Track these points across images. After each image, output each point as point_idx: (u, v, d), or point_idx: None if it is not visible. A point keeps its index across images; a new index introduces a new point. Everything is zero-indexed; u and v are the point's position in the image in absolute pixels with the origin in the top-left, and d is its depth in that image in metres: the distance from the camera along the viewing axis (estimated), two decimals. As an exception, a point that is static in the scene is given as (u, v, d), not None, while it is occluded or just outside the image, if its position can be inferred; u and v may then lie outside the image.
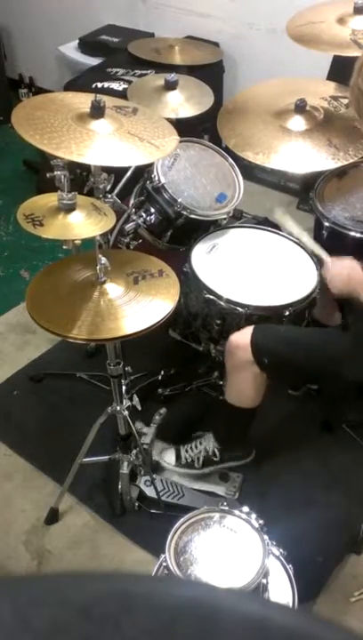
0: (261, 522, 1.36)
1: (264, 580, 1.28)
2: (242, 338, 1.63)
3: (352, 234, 1.93)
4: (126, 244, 1.86)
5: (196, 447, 1.90)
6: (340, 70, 2.46)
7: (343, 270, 1.66)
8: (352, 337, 1.65)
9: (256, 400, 1.73)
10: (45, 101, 1.56)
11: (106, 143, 1.45)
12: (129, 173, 1.91)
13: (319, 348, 1.65)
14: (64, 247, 1.43)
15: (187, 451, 1.91)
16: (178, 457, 1.91)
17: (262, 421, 1.84)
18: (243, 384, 1.70)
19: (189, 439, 1.95)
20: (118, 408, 1.74)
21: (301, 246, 1.94)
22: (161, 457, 1.92)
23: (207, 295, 1.76)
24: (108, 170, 1.66)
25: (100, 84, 2.89)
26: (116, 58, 3.11)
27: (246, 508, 1.39)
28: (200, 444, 1.90)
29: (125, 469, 1.78)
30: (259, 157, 1.81)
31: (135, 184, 1.95)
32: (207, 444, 1.88)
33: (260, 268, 1.85)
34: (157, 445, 1.95)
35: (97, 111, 1.48)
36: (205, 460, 1.88)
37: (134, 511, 1.85)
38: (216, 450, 1.87)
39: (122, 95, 2.20)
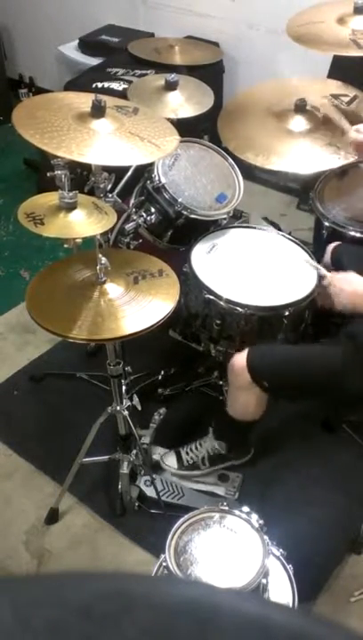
0: (261, 522, 1.36)
1: (264, 580, 1.28)
2: (243, 360, 1.63)
3: (352, 234, 1.93)
4: (126, 244, 1.86)
5: (196, 448, 1.90)
6: (340, 70, 2.47)
7: (349, 286, 1.62)
8: (353, 348, 1.63)
9: (259, 413, 1.73)
10: (46, 101, 1.56)
11: (106, 143, 1.45)
12: (129, 173, 1.91)
13: (318, 364, 1.64)
14: (65, 246, 1.44)
15: (188, 453, 1.91)
16: (179, 460, 1.91)
17: (262, 421, 1.84)
18: (246, 402, 1.70)
19: (188, 440, 1.95)
20: (118, 408, 1.74)
21: (301, 246, 1.94)
22: (162, 461, 1.92)
23: (207, 295, 1.76)
24: (109, 169, 1.66)
25: (100, 84, 2.89)
26: (117, 58, 3.11)
27: (246, 508, 1.39)
28: (201, 445, 1.90)
29: (125, 469, 1.78)
30: (259, 159, 1.81)
31: (136, 184, 1.95)
32: (208, 444, 1.88)
33: (260, 268, 1.85)
34: (156, 449, 1.95)
35: (98, 111, 1.48)
36: (207, 460, 1.88)
37: (134, 511, 1.84)
38: (218, 449, 1.87)
39: (122, 95, 2.20)
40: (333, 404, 2.10)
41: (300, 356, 1.67)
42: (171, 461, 1.91)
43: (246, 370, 1.61)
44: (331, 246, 1.89)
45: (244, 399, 1.70)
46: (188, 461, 1.90)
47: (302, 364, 1.65)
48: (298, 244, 1.95)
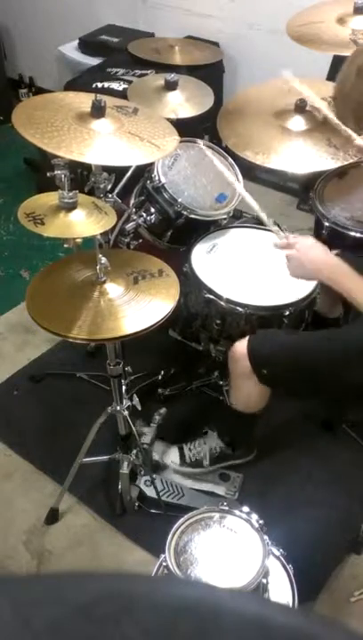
0: (261, 522, 1.36)
1: (264, 580, 1.28)
2: (243, 347, 1.62)
3: (352, 234, 1.93)
4: (127, 244, 1.86)
5: (199, 445, 1.90)
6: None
7: (307, 255, 1.50)
8: (353, 339, 1.63)
9: (262, 404, 1.73)
10: (46, 101, 1.56)
11: (106, 143, 1.45)
12: (129, 173, 1.91)
13: (318, 353, 1.63)
14: (65, 246, 1.44)
15: (191, 449, 1.91)
16: (182, 456, 1.91)
17: (262, 421, 1.84)
18: (248, 392, 1.70)
19: (191, 437, 1.95)
20: (118, 408, 1.74)
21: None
22: (165, 457, 1.92)
23: (207, 295, 1.76)
24: (109, 169, 1.66)
25: (100, 84, 2.89)
26: (116, 58, 3.11)
27: (246, 508, 1.39)
28: (204, 442, 1.90)
29: (125, 469, 1.78)
30: (259, 157, 1.81)
31: (136, 184, 1.95)
32: (211, 442, 1.88)
33: (260, 268, 1.85)
34: (158, 446, 1.95)
35: (98, 111, 1.48)
36: (210, 458, 1.88)
37: (134, 511, 1.84)
38: (221, 448, 1.87)
39: (122, 95, 2.20)
40: (332, 400, 2.10)
41: (301, 344, 1.66)
42: (173, 457, 1.91)
43: (246, 357, 1.60)
44: None
45: (246, 389, 1.69)
46: (190, 458, 1.90)
47: (303, 352, 1.63)
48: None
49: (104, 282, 1.49)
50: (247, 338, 1.63)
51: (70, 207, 1.39)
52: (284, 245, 1.54)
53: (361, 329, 1.64)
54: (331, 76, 2.48)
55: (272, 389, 1.69)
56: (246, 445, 1.91)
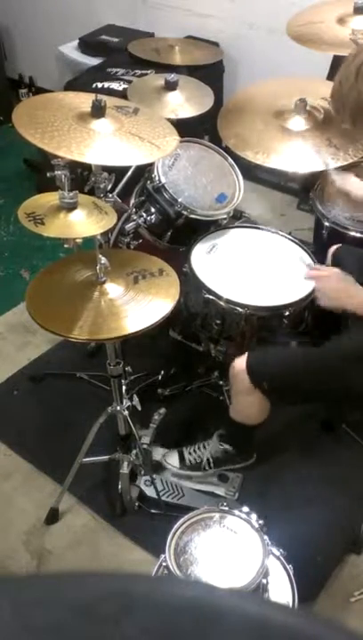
0: (261, 522, 1.36)
1: (264, 580, 1.28)
2: (242, 364, 1.62)
3: (352, 234, 1.93)
4: (127, 244, 1.86)
5: (199, 450, 1.90)
6: (340, 70, 2.46)
7: (338, 285, 1.67)
8: (352, 347, 1.63)
9: (262, 417, 1.73)
10: (46, 101, 1.56)
11: (106, 143, 1.46)
12: (130, 173, 1.91)
13: (317, 363, 1.62)
14: (65, 246, 1.44)
15: (190, 453, 1.90)
16: (182, 459, 1.91)
17: (262, 421, 1.84)
18: (248, 407, 1.70)
19: (192, 441, 1.95)
20: (118, 408, 1.74)
21: (301, 247, 1.94)
22: (164, 459, 1.92)
23: (207, 295, 1.76)
24: (109, 169, 1.66)
25: (100, 84, 2.89)
26: (116, 58, 3.11)
27: (246, 508, 1.39)
28: (204, 447, 1.90)
29: (125, 469, 1.78)
30: (259, 157, 1.81)
31: (136, 184, 1.95)
32: (212, 446, 1.88)
33: (260, 268, 1.85)
34: (157, 450, 1.94)
35: (98, 111, 1.48)
36: (209, 462, 1.88)
37: (134, 511, 1.84)
38: (221, 452, 1.86)
39: (122, 95, 2.20)
40: (335, 404, 2.09)
41: (299, 357, 1.67)
42: (173, 460, 1.91)
43: (245, 373, 1.60)
44: (332, 249, 1.89)
45: (246, 403, 1.69)
46: (190, 461, 1.89)
47: (302, 363, 1.64)
48: (298, 244, 1.95)
49: (104, 282, 1.49)
50: (246, 354, 1.63)
51: (70, 207, 1.40)
52: (312, 276, 1.69)
53: (359, 336, 1.64)
54: (331, 76, 2.47)
55: (273, 403, 1.68)
56: (246, 450, 1.91)
